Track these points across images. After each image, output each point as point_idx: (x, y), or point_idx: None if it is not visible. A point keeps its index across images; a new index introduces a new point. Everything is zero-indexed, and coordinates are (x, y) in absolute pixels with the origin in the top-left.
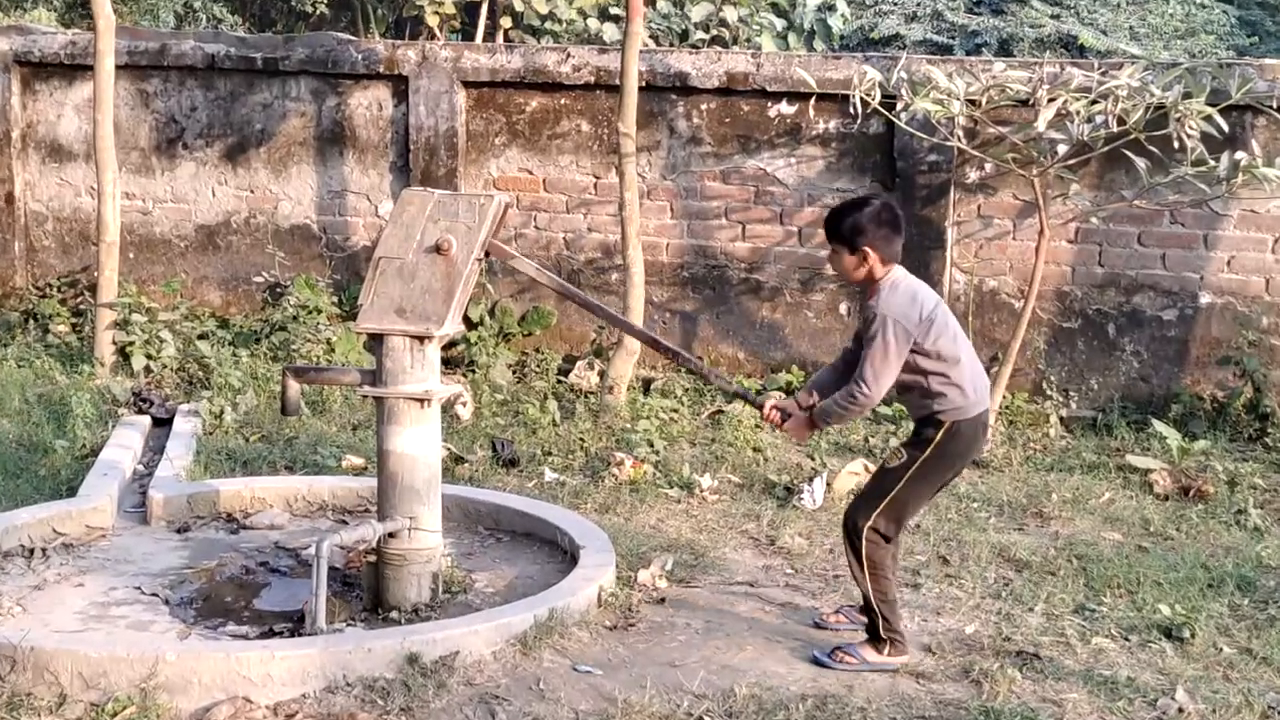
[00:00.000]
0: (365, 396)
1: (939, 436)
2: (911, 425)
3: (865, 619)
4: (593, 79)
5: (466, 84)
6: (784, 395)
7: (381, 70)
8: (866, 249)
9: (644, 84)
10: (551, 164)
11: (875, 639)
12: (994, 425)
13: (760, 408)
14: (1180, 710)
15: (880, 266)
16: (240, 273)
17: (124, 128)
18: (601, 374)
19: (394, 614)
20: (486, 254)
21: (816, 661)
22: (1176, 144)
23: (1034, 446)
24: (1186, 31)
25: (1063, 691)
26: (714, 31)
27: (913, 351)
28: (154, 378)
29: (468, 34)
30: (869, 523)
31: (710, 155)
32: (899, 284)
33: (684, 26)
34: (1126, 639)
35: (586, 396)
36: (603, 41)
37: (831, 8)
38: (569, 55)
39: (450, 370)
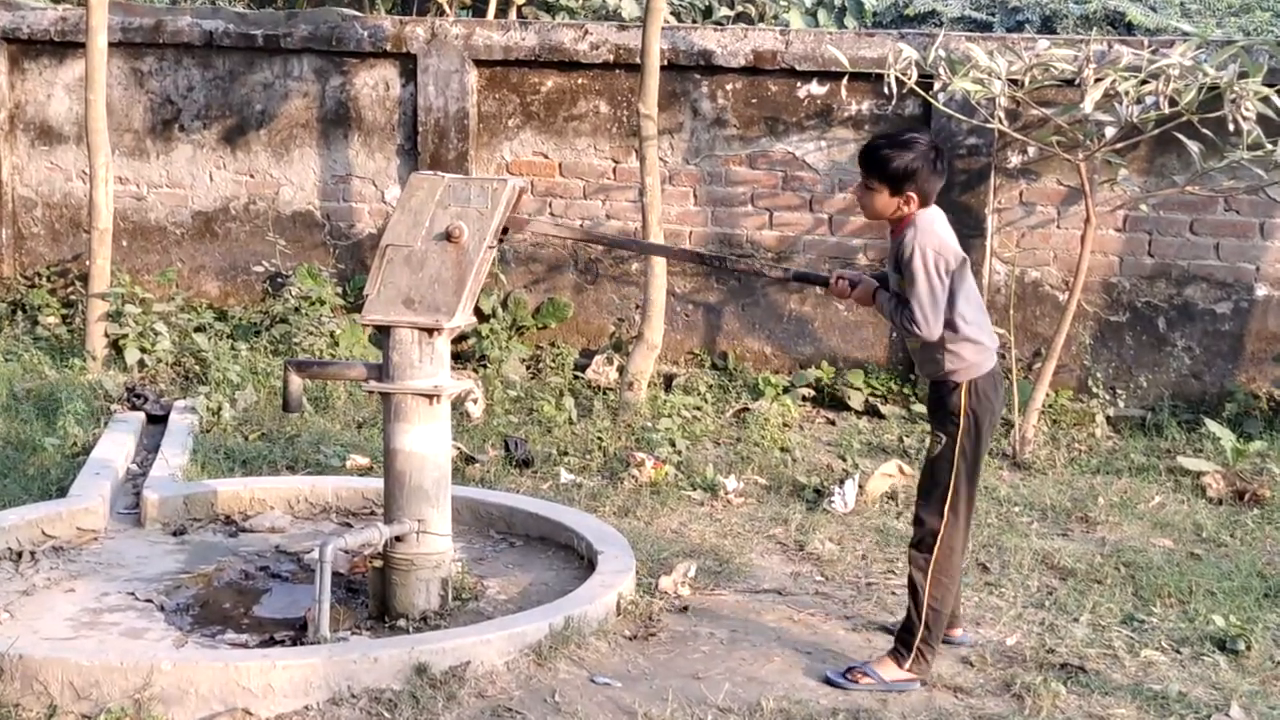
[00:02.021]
0: (371, 392)
1: (963, 403)
2: (929, 395)
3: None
4: (612, 57)
5: (478, 62)
6: (814, 394)
7: (388, 48)
8: (911, 193)
9: (666, 63)
10: (568, 147)
11: (898, 652)
12: (1036, 425)
13: (825, 282)
14: None
15: (916, 208)
16: (239, 262)
17: (117, 109)
18: (621, 369)
19: (401, 622)
20: (502, 236)
21: (829, 682)
22: (1231, 126)
23: (1079, 447)
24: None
25: (1110, 707)
26: (739, 8)
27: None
28: (148, 372)
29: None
30: (945, 520)
31: (736, 138)
32: (935, 218)
33: (707, 3)
34: (1178, 651)
35: (605, 393)
36: (621, 18)
37: None
38: (587, 32)
39: (461, 365)
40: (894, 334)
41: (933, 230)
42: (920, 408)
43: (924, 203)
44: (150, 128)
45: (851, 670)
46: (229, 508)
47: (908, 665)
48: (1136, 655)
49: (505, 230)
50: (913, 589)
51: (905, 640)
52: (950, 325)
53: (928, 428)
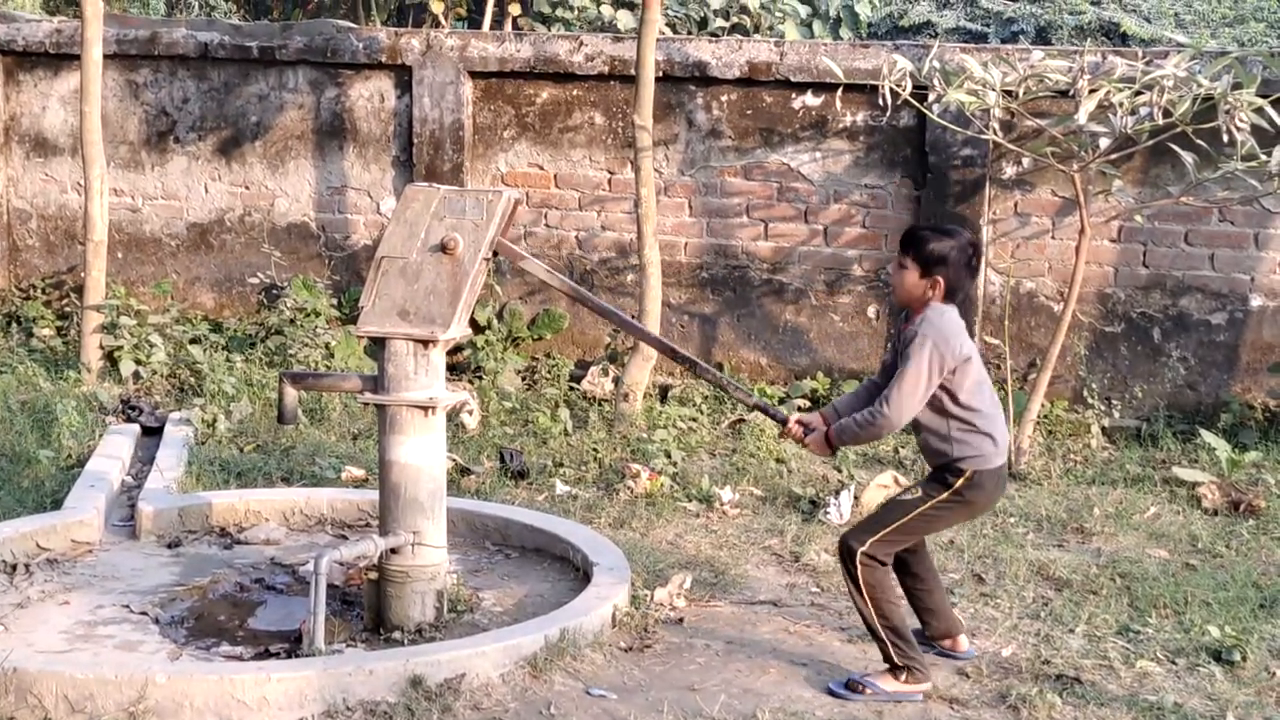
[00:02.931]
0: (366, 404)
1: (959, 484)
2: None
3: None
4: (607, 69)
5: (473, 74)
6: (809, 405)
7: (383, 60)
8: (939, 279)
9: (661, 74)
10: (563, 158)
11: (892, 668)
12: (1032, 436)
13: (784, 422)
14: None
15: (940, 299)
16: (234, 273)
17: (112, 121)
18: (616, 381)
19: (396, 634)
20: (494, 254)
21: (831, 693)
22: (1226, 137)
23: (1074, 458)
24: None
25: (1105, 718)
26: (734, 19)
27: (943, 389)
28: (143, 384)
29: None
30: (864, 548)
31: (731, 149)
32: (948, 313)
33: (702, 14)
34: (1173, 662)
35: (600, 404)
36: (617, 30)
37: None
38: (582, 44)
39: (456, 376)
40: (889, 344)
41: (941, 324)
42: None
43: (949, 294)
44: (145, 140)
45: (853, 681)
46: (224, 520)
47: (904, 679)
48: (1132, 666)
49: (496, 254)
50: (860, 613)
51: (889, 660)
52: (959, 419)
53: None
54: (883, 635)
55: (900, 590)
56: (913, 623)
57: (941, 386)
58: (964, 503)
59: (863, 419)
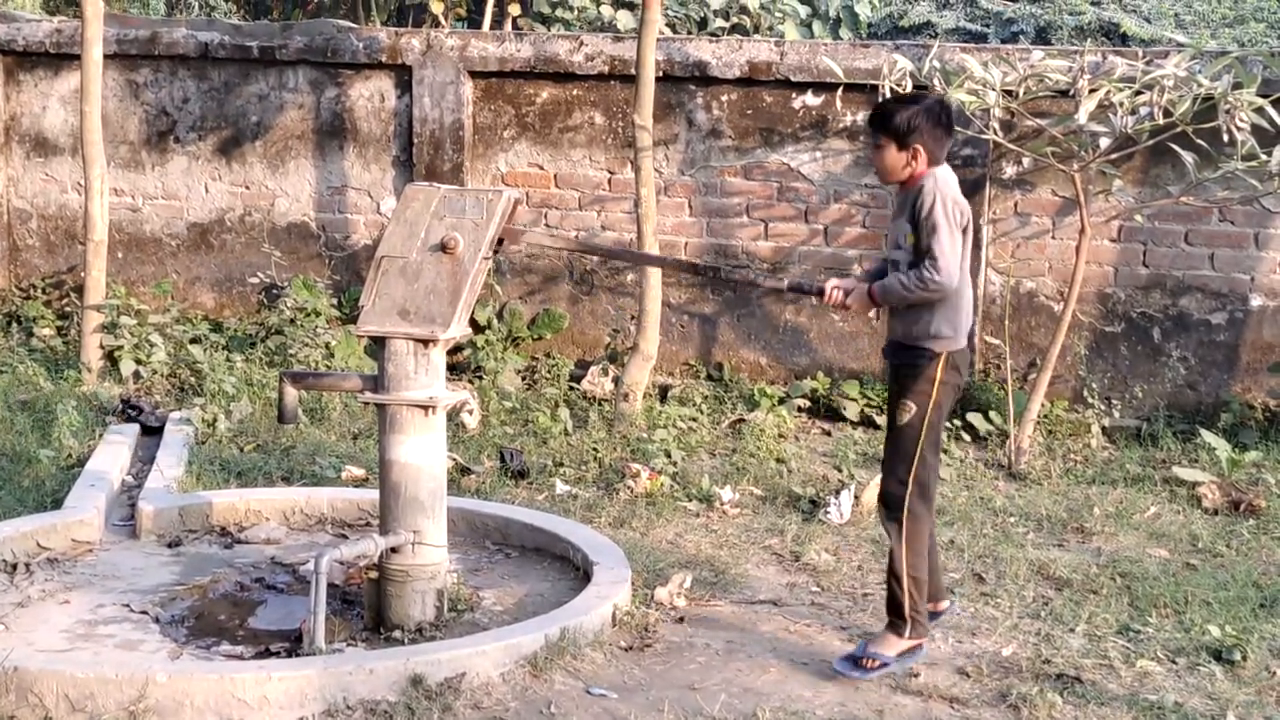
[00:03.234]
0: (366, 404)
1: (939, 373)
2: (899, 364)
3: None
4: (607, 69)
5: (473, 74)
6: (809, 405)
7: (384, 60)
8: (917, 146)
9: (661, 74)
10: (563, 158)
11: (895, 625)
12: (1032, 436)
13: (820, 293)
14: None
15: (924, 165)
16: (234, 273)
17: (112, 120)
18: (616, 380)
19: (397, 633)
20: (498, 245)
21: (839, 674)
22: (1226, 137)
23: (1074, 458)
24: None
25: (1106, 717)
26: (734, 19)
27: None
28: (144, 384)
29: (474, 22)
30: (909, 491)
31: (731, 149)
32: (949, 178)
33: (702, 14)
34: (1173, 662)
35: (600, 404)
36: (617, 30)
37: None
38: (582, 44)
39: (456, 376)
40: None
41: (949, 185)
42: None
43: (932, 160)
44: (145, 139)
45: (859, 660)
46: (224, 519)
47: (908, 633)
48: (1132, 665)
49: (500, 241)
50: (891, 561)
51: (898, 612)
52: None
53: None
54: (905, 585)
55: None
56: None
57: None
58: (948, 387)
59: (911, 280)
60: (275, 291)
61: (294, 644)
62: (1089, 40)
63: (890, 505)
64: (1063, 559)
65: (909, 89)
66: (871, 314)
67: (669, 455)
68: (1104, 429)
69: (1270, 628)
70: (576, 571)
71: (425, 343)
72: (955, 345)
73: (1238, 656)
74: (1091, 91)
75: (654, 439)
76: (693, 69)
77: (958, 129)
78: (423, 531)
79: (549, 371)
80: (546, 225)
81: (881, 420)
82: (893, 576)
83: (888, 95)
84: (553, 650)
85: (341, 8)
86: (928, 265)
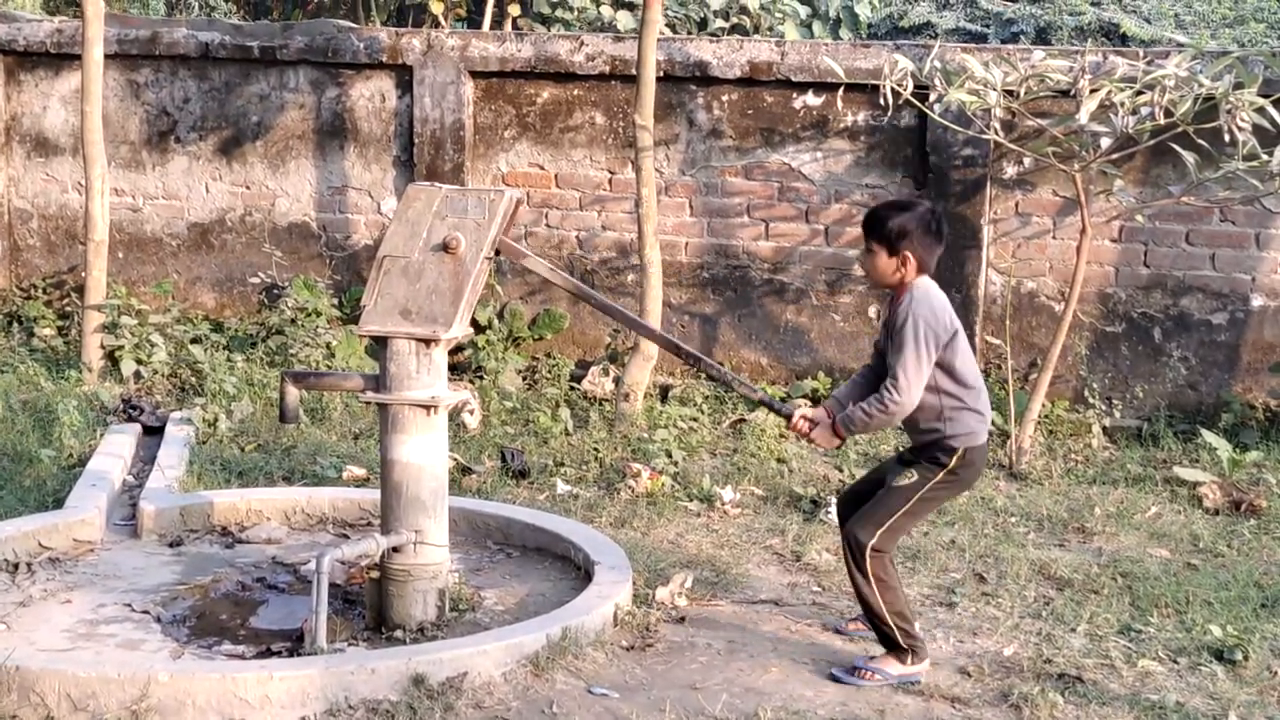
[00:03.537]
0: (368, 403)
1: (952, 463)
2: (919, 442)
3: (875, 634)
4: (608, 69)
5: (474, 74)
6: (810, 404)
7: (384, 60)
8: (907, 253)
9: (662, 74)
10: (564, 158)
11: (896, 650)
12: (1033, 436)
13: (788, 417)
14: None
15: (914, 274)
16: (235, 273)
17: (113, 120)
18: (617, 380)
19: (398, 633)
20: (496, 253)
21: (835, 679)
22: (1227, 137)
23: (1075, 458)
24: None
25: (1107, 717)
26: (734, 19)
27: (937, 366)
28: (144, 384)
29: (474, 22)
30: (873, 540)
31: (732, 149)
32: (929, 290)
33: (702, 14)
34: (1175, 661)
35: (601, 404)
36: (617, 30)
37: None
38: (583, 44)
39: (457, 376)
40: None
41: (927, 300)
42: None
43: (922, 267)
44: (146, 139)
45: (858, 669)
46: (225, 519)
47: (910, 661)
48: (1134, 665)
49: (498, 253)
50: (866, 605)
51: (890, 645)
52: (952, 395)
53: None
54: (890, 623)
55: (899, 576)
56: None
57: (936, 364)
58: (958, 480)
59: (872, 407)
60: (276, 291)
61: (296, 643)
62: (1089, 40)
63: (854, 549)
64: (1064, 559)
65: (910, 89)
66: (837, 445)
67: (670, 455)
68: (1105, 429)
69: (1272, 627)
70: (578, 571)
71: (427, 342)
72: (973, 442)
73: (1239, 656)
74: (1092, 91)
75: (655, 439)
76: (693, 69)
77: (959, 129)
78: (424, 531)
79: (550, 371)
80: (547, 225)
81: None
82: (874, 618)
83: (889, 96)
84: (554, 650)
85: (341, 8)
86: (888, 386)
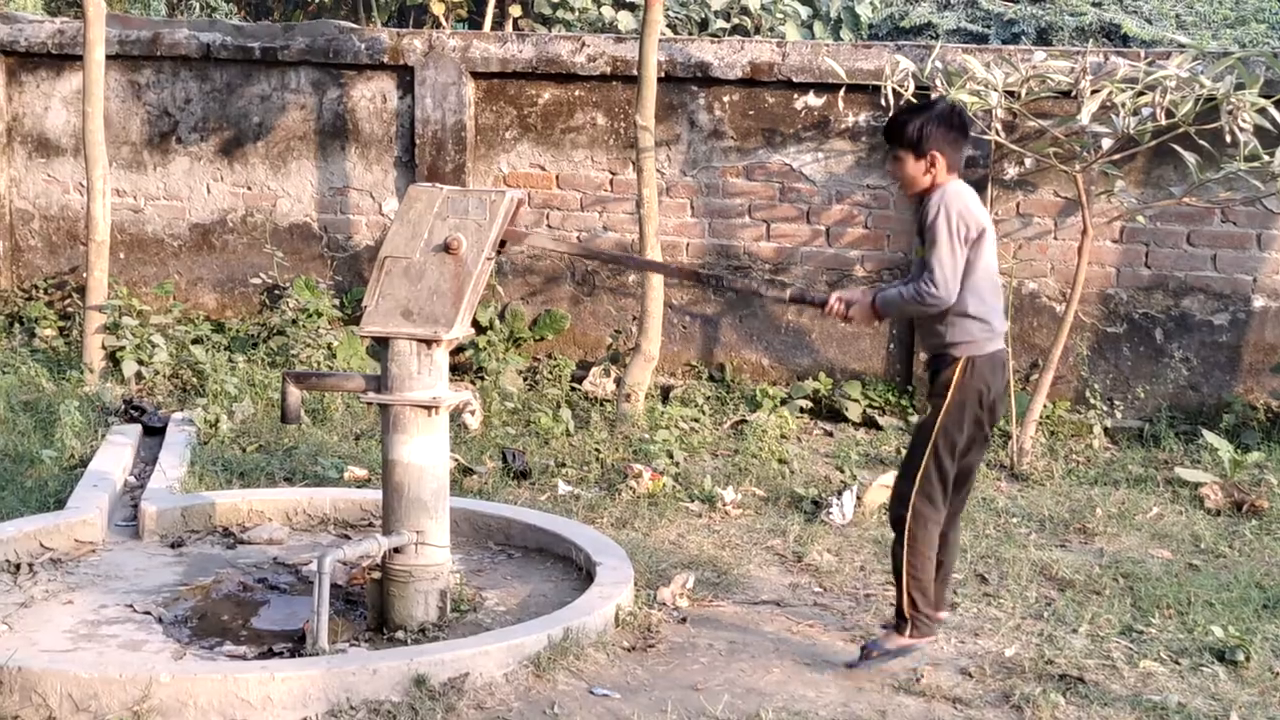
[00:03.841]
0: (369, 404)
1: (956, 376)
2: (928, 365)
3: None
4: (609, 69)
5: (475, 75)
6: (812, 406)
7: (386, 60)
8: (934, 153)
9: (663, 75)
10: (565, 159)
11: (899, 623)
12: (1034, 436)
13: (822, 304)
14: None
15: (944, 174)
16: (237, 274)
17: (114, 121)
18: (618, 381)
19: (400, 634)
20: (498, 251)
21: (850, 667)
22: (1228, 138)
23: (1077, 458)
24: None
25: (1109, 717)
26: (735, 20)
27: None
28: (146, 384)
29: (475, 23)
30: (916, 488)
31: (733, 150)
32: (960, 189)
33: (703, 15)
34: (1176, 662)
35: (602, 405)
36: (618, 30)
37: None
38: (584, 44)
39: (458, 377)
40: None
41: (959, 195)
42: (917, 418)
43: (951, 166)
44: (147, 140)
45: (866, 650)
46: (227, 520)
47: (908, 632)
48: (1135, 666)
49: (503, 243)
50: (893, 558)
51: (900, 613)
52: (961, 303)
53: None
54: (907, 585)
55: (935, 548)
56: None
57: None
58: (968, 393)
59: (909, 292)
60: (277, 292)
61: (297, 644)
62: (1090, 41)
63: (896, 501)
64: (1065, 560)
65: (911, 90)
66: (875, 324)
67: (671, 456)
68: (1106, 430)
69: (1273, 628)
70: (579, 572)
71: (428, 343)
72: (977, 351)
73: (1241, 657)
74: (1094, 92)
75: (656, 440)
76: (694, 70)
77: None
78: (426, 532)
79: (551, 372)
80: (548, 226)
81: (884, 421)
82: (895, 575)
83: (890, 97)
84: (556, 650)
85: (342, 8)
86: (924, 278)
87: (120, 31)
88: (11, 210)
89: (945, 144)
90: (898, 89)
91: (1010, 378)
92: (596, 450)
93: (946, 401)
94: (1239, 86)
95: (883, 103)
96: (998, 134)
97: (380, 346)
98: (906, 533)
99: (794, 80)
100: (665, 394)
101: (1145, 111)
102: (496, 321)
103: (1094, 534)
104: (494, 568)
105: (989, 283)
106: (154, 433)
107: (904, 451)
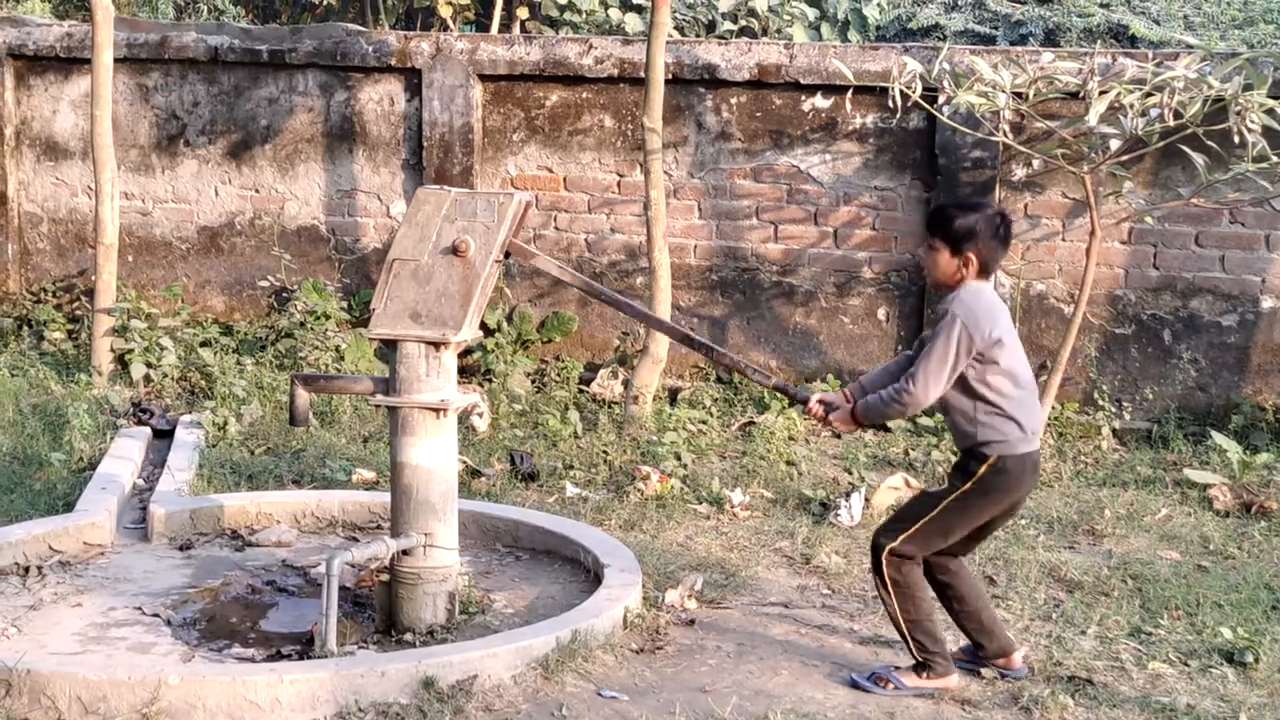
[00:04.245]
0: (378, 406)
1: (983, 471)
2: (957, 456)
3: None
4: (616, 71)
5: (483, 77)
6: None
7: (393, 63)
8: (970, 254)
9: (670, 77)
10: (573, 161)
11: (915, 665)
12: (1043, 438)
13: (804, 402)
14: None
15: (975, 276)
16: (244, 276)
17: (123, 124)
18: (626, 383)
19: (408, 636)
20: (506, 255)
21: (854, 684)
22: (1236, 139)
23: (1085, 460)
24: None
25: (1118, 719)
26: (742, 22)
27: (975, 363)
28: (154, 387)
29: (482, 25)
30: (893, 544)
31: (740, 152)
32: (983, 292)
33: (711, 17)
34: (1185, 664)
35: (610, 407)
36: (625, 33)
37: None
38: (591, 46)
39: (466, 379)
40: (899, 348)
41: (975, 301)
42: (926, 420)
43: (983, 270)
44: (155, 143)
45: (878, 675)
46: (235, 522)
47: (926, 676)
48: (1144, 668)
49: (508, 254)
50: (886, 609)
51: (913, 657)
52: (987, 401)
53: (935, 441)
54: (905, 630)
55: (927, 586)
56: (961, 640)
57: (971, 366)
58: (991, 491)
59: (888, 395)
60: (285, 295)
61: (306, 646)
62: (1098, 42)
63: (874, 550)
64: (1074, 561)
65: (918, 91)
66: (856, 430)
67: (679, 458)
68: (1115, 431)
69: None
70: (587, 574)
71: (436, 345)
72: (1010, 451)
73: (1250, 659)
74: (1101, 93)
75: (664, 441)
76: (702, 71)
77: (967, 131)
78: (434, 534)
79: (559, 374)
80: (556, 228)
81: (892, 423)
82: (892, 623)
83: (897, 98)
84: (564, 652)
85: (350, 11)
86: (906, 379)
87: (128, 34)
88: (20, 213)
89: (985, 249)
90: (905, 90)
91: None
92: (604, 452)
93: (966, 489)
94: (1247, 87)
95: (890, 104)
96: (1005, 135)
97: (388, 349)
98: (886, 579)
99: (801, 82)
100: (673, 396)
101: (1153, 112)
102: (504, 324)
103: (1102, 535)
104: (502, 570)
105: (1024, 384)
106: (162, 435)
107: (908, 464)
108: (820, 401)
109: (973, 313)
